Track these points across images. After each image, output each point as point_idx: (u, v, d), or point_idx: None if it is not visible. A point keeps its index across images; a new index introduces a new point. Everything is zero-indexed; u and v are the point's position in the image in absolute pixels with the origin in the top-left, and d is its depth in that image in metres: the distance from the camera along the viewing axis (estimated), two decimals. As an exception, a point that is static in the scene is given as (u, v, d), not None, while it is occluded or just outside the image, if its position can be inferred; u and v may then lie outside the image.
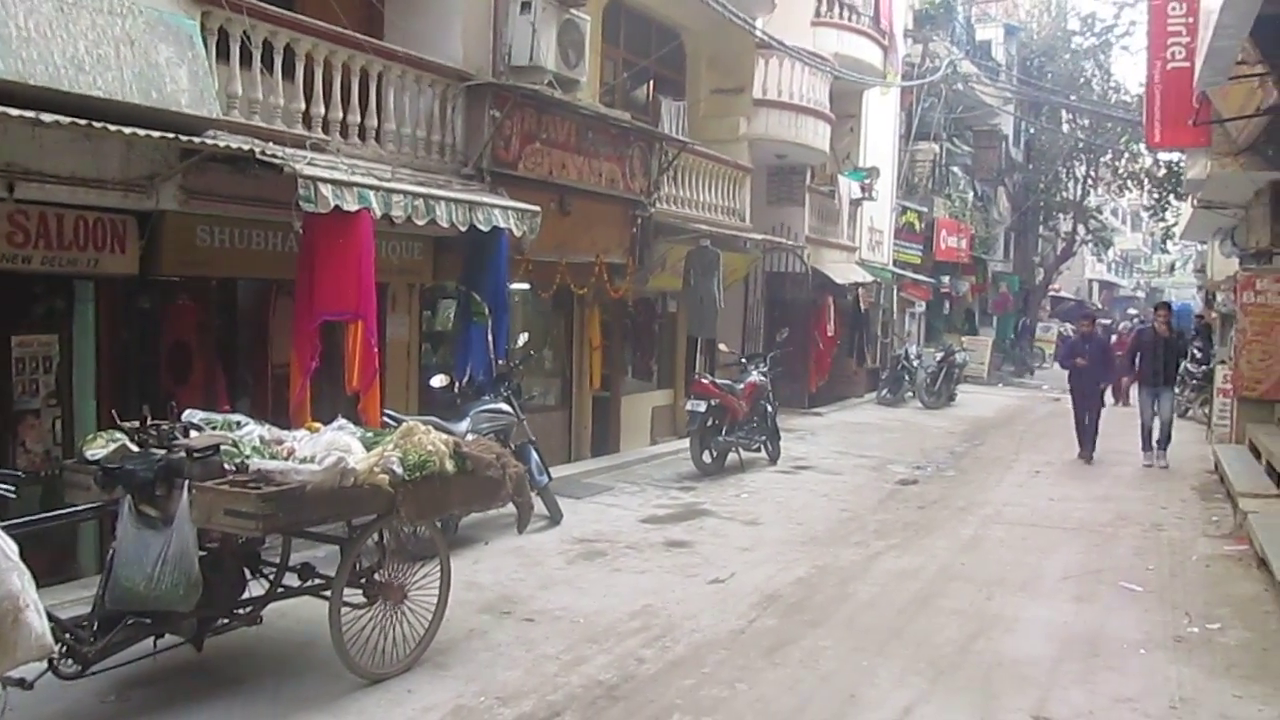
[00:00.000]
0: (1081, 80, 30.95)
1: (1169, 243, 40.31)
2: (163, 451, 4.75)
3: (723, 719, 4.93)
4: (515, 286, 9.82)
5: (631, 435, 13.79)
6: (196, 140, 6.33)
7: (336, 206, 6.81)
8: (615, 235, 11.74)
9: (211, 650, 5.09)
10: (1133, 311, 59.29)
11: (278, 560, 5.53)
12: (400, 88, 8.76)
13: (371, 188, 7.18)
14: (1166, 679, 5.53)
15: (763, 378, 12.28)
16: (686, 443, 13.18)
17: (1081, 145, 32.12)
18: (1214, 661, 5.81)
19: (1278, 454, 9.84)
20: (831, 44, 16.91)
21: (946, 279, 27.12)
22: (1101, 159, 32.76)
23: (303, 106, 7.81)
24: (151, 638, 4.76)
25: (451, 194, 8.08)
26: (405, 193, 7.53)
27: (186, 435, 4.94)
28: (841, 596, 7.05)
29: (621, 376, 13.54)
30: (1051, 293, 40.24)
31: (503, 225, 8.45)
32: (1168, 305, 13.77)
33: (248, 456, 4.78)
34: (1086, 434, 13.41)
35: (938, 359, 20.39)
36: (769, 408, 12.36)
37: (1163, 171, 33.51)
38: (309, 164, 6.93)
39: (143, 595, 4.49)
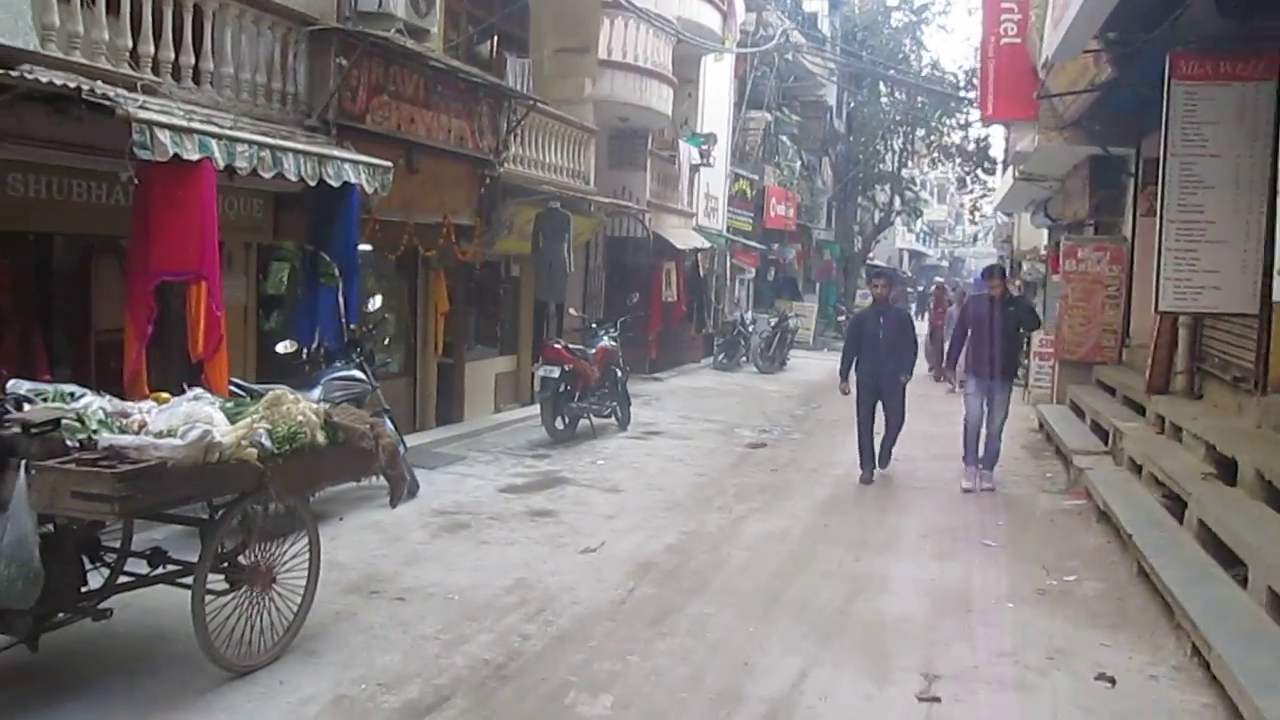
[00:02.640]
0: (900, 55, 32.12)
1: (975, 214, 42.44)
2: (-9, 427, 4.17)
3: (621, 693, 4.76)
4: (361, 248, 9.27)
5: (476, 403, 13.41)
6: (12, 75, 5.59)
7: (175, 155, 6.18)
8: (463, 195, 11.29)
9: (49, 650, 4.53)
10: (939, 279, 62.72)
11: (118, 545, 5.00)
12: (238, 28, 8.06)
13: (214, 135, 6.56)
14: (1039, 631, 5.73)
15: (613, 343, 12.15)
16: (532, 410, 12.97)
17: (899, 119, 33.42)
18: (1077, 612, 6.06)
19: (1103, 412, 10.44)
20: (674, 8, 16.78)
21: (775, 246, 27.70)
22: (917, 133, 34.18)
23: (130, 44, 7.04)
24: (-22, 638, 4.21)
25: (300, 145, 7.50)
26: (250, 142, 6.92)
27: (19, 409, 4.35)
28: (715, 562, 7.01)
29: (465, 342, 13.13)
30: (868, 261, 41.85)
31: (354, 181, 7.92)
32: (1001, 270, 10.22)
33: (94, 431, 4.25)
34: (868, 448, 9.79)
35: (772, 325, 20.81)
36: (619, 373, 12.24)
37: (973, 146, 35.45)
38: (142, 107, 6.25)
39: (-28, 591, 3.94)
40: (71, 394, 4.86)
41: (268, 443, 4.60)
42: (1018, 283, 29.68)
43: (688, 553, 7.21)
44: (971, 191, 40.64)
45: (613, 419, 12.26)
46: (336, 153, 7.89)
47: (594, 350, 11.69)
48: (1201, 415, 8.35)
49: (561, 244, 12.17)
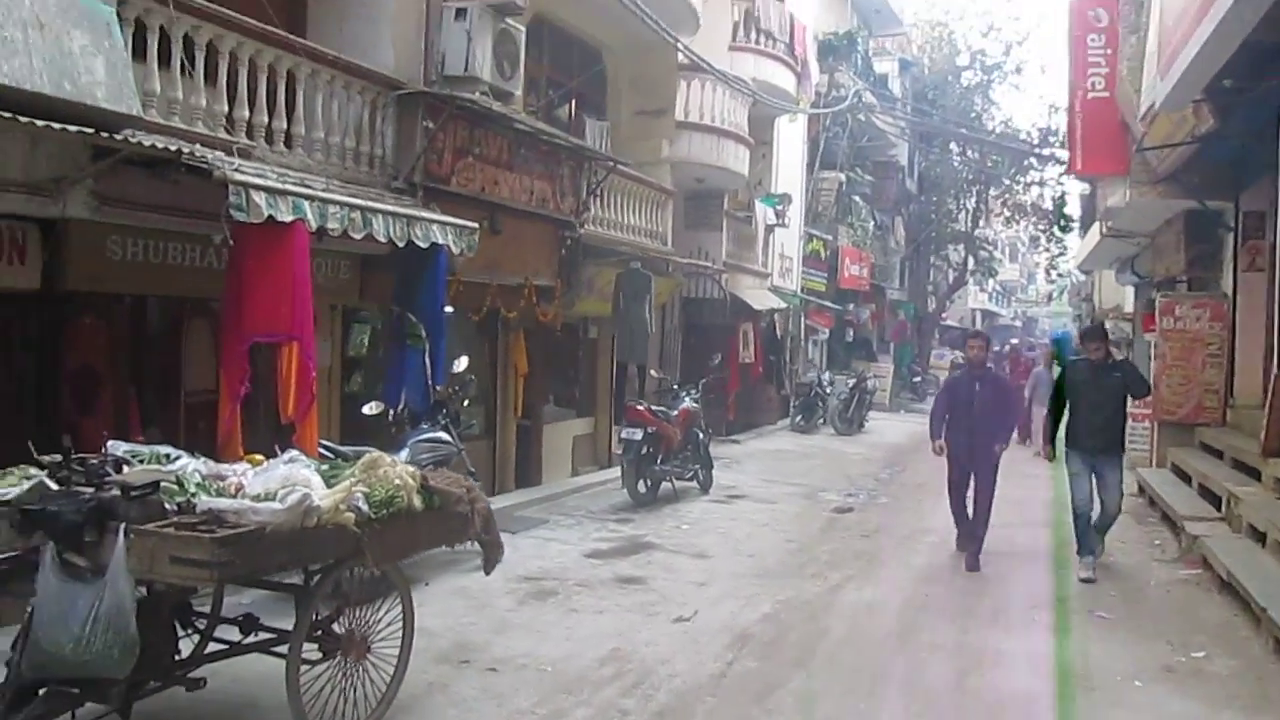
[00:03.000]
0: (972, 114, 31.88)
1: (1051, 273, 41.69)
2: (91, 490, 4.08)
3: (731, 777, 4.48)
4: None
5: (554, 465, 13.24)
6: (116, 138, 5.64)
7: (270, 217, 6.19)
8: (544, 256, 11.27)
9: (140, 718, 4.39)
10: (1014, 340, 61.64)
11: (209, 611, 4.88)
12: (329, 94, 8.15)
13: (307, 197, 6.57)
14: (1172, 714, 5.32)
15: (695, 404, 11.93)
16: (611, 473, 12.79)
17: (971, 178, 33.10)
18: (1212, 692, 5.62)
19: (1212, 476, 9.91)
20: (749, 69, 16.80)
21: (850, 306, 27.37)
22: (990, 191, 33.77)
23: (225, 109, 7.14)
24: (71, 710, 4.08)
25: (389, 207, 7.50)
26: (341, 204, 6.93)
27: (118, 470, 4.27)
28: (815, 634, 6.69)
29: (543, 404, 13.01)
30: (941, 321, 41.25)
31: (440, 241, 7.91)
32: (1103, 331, 8.95)
33: (193, 494, 4.14)
34: (963, 517, 9.09)
35: (850, 386, 20.43)
36: (701, 435, 12.00)
37: (1049, 204, 34.92)
38: (237, 170, 6.28)
39: (69, 660, 3.82)
40: (167, 455, 4.80)
41: (365, 507, 4.45)
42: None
43: (785, 623, 6.90)
44: (1047, 250, 40.04)
45: (694, 482, 11.99)
46: (424, 214, 7.88)
47: (676, 412, 11.49)
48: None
49: (643, 305, 12.06)
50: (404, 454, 7.34)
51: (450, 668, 5.72)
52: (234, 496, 4.30)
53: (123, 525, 3.92)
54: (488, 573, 5.53)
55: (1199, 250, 13.00)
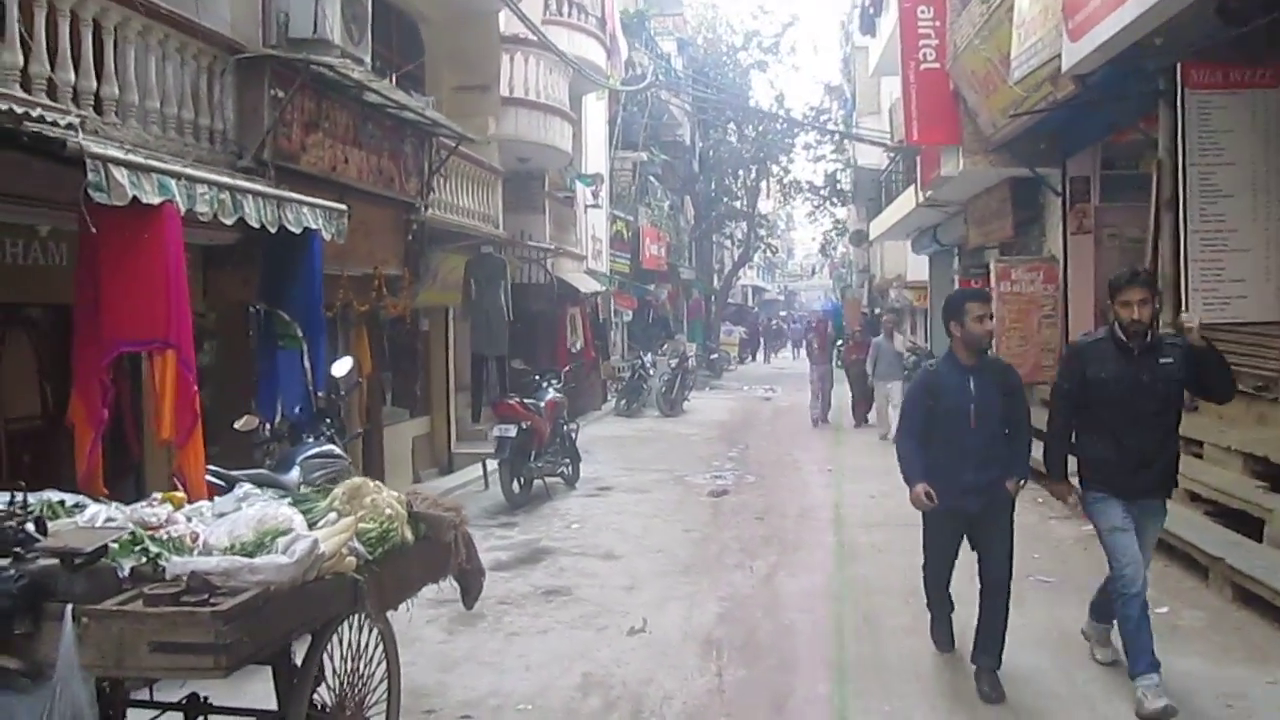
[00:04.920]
0: (749, 92, 32.49)
1: (828, 247, 43.46)
2: (8, 560, 3.02)
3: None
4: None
5: (394, 472, 12.13)
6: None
7: (135, 198, 5.04)
8: (390, 244, 10.23)
9: None
10: (783, 313, 63.98)
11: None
12: (161, 55, 6.87)
13: (172, 175, 5.43)
14: (1185, 672, 5.21)
15: (559, 395, 11.24)
16: (464, 476, 11.97)
17: (749, 156, 33.77)
18: (1205, 647, 5.61)
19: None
20: (563, 44, 16.05)
21: (651, 287, 27.28)
22: (770, 168, 34.60)
23: (46, 70, 5.82)
24: None
25: (260, 188, 6.40)
26: (211, 183, 5.78)
27: (40, 530, 3.20)
28: (782, 631, 6.25)
29: (381, 405, 11.93)
30: (728, 301, 42.14)
31: (314, 226, 6.84)
32: (1147, 278, 5.03)
33: (156, 555, 3.15)
34: (946, 603, 5.67)
35: (672, 367, 20.21)
36: (566, 427, 11.33)
37: (822, 181, 36.28)
38: (93, 141, 5.09)
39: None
40: (62, 503, 3.74)
41: (360, 546, 3.58)
42: (879, 311, 30.28)
43: (745, 623, 6.41)
44: (822, 223, 41.71)
45: (560, 477, 11.31)
46: (294, 195, 6.79)
47: (544, 404, 10.76)
48: (1212, 427, 8.16)
49: (498, 292, 11.27)
50: (295, 473, 6.28)
51: (416, 721, 4.86)
52: (193, 551, 3.34)
53: (69, 607, 2.90)
54: (470, 606, 4.70)
55: (1024, 215, 13.52)
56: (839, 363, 17.63)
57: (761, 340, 44.93)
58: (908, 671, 5.43)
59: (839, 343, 22.32)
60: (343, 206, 7.34)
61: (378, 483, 3.98)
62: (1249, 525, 6.79)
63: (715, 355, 32.48)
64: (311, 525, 3.59)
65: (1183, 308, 7.53)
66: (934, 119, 12.95)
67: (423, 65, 13.43)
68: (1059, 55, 8.02)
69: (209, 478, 5.53)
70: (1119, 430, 4.80)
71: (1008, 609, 5.16)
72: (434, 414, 13.54)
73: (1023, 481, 5.19)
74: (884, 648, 5.83)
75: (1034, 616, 6.27)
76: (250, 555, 3.24)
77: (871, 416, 16.34)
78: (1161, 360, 4.77)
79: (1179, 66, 7.25)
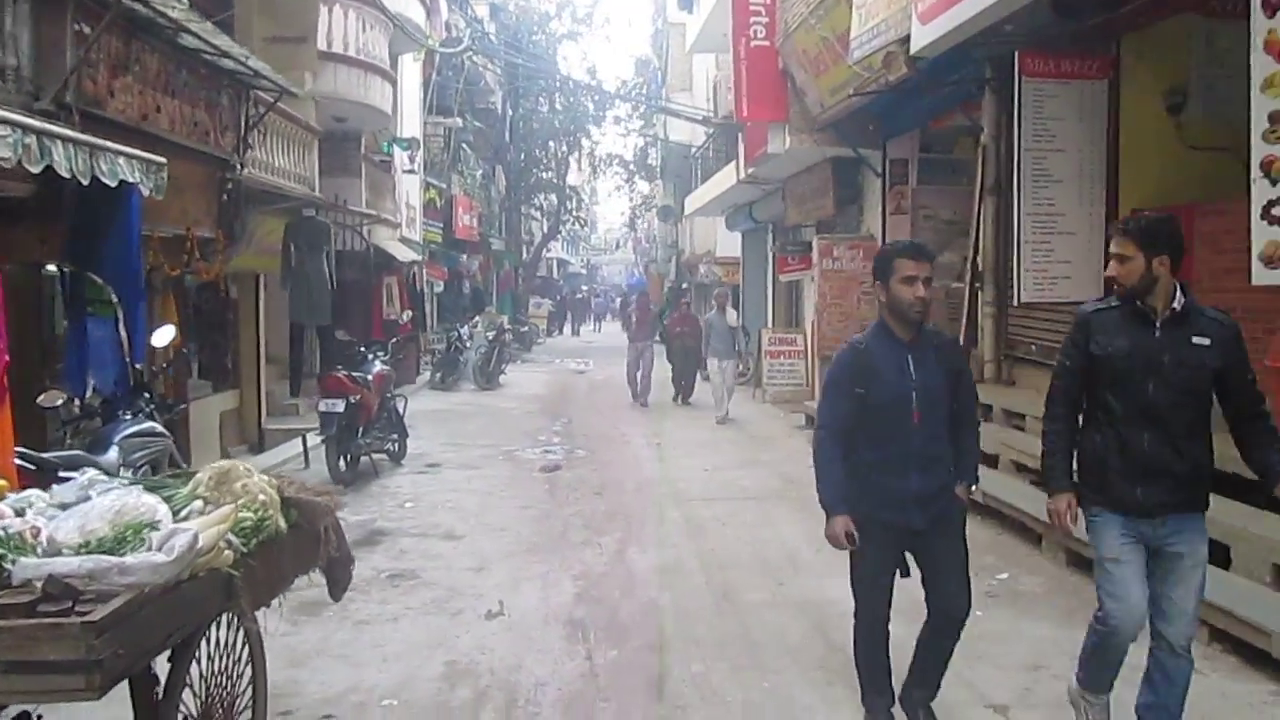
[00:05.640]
0: (558, 66, 32.15)
1: (637, 221, 43.73)
2: None
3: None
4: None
5: (202, 450, 11.26)
6: None
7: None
8: (205, 202, 9.44)
9: None
10: (585, 287, 64.06)
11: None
12: (-56, -22, 6.02)
13: (-29, 114, 4.74)
14: (1020, 633, 5.47)
15: (386, 367, 10.73)
16: (269, 455, 11.36)
17: (560, 126, 33.48)
18: (1050, 611, 5.87)
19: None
20: (380, -3, 15.36)
21: (463, 257, 26.67)
22: (580, 141, 34.44)
23: None
24: None
25: (70, 133, 5.69)
26: (13, 124, 5.10)
27: None
28: (644, 609, 6.13)
29: (187, 377, 11.06)
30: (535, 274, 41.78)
31: (131, 179, 6.17)
32: (1172, 230, 3.66)
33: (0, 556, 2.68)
34: (880, 665, 4.28)
35: (489, 339, 19.79)
36: (394, 402, 10.84)
37: (632, 156, 36.46)
38: None
39: None
40: None
41: (235, 539, 3.20)
42: (686, 286, 30.76)
43: (605, 602, 6.27)
44: (628, 196, 41.92)
45: (385, 454, 10.82)
46: (111, 145, 6.08)
47: (371, 377, 10.23)
48: (1031, 400, 8.62)
49: (320, 258, 10.60)
50: (113, 454, 5.72)
51: (274, 725, 4.46)
52: (39, 548, 2.88)
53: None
54: (337, 598, 4.32)
55: (845, 194, 13.92)
56: (660, 338, 17.54)
57: (569, 313, 44.97)
58: (778, 647, 5.42)
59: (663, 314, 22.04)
60: (162, 160, 6.67)
61: (247, 465, 3.57)
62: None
63: (525, 328, 32.17)
64: (176, 515, 3.17)
65: (1013, 288, 7.89)
66: (763, 96, 13.11)
67: (232, 12, 12.47)
68: (905, 37, 8.21)
69: (17, 461, 4.91)
70: (1124, 423, 3.68)
71: (948, 655, 4.19)
72: (243, 387, 12.68)
73: (974, 487, 4.35)
74: (749, 624, 5.81)
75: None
76: (111, 553, 2.81)
77: (695, 397, 16.29)
78: (1194, 340, 3.62)
79: (1016, 55, 7.54)
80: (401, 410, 11.09)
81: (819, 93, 12.09)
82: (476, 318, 25.10)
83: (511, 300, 33.82)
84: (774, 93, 13.01)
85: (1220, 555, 5.48)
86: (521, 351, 29.97)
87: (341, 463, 9.64)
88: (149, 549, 2.76)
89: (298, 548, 3.72)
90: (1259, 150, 5.09)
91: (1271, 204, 5.10)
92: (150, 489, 3.40)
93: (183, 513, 3.23)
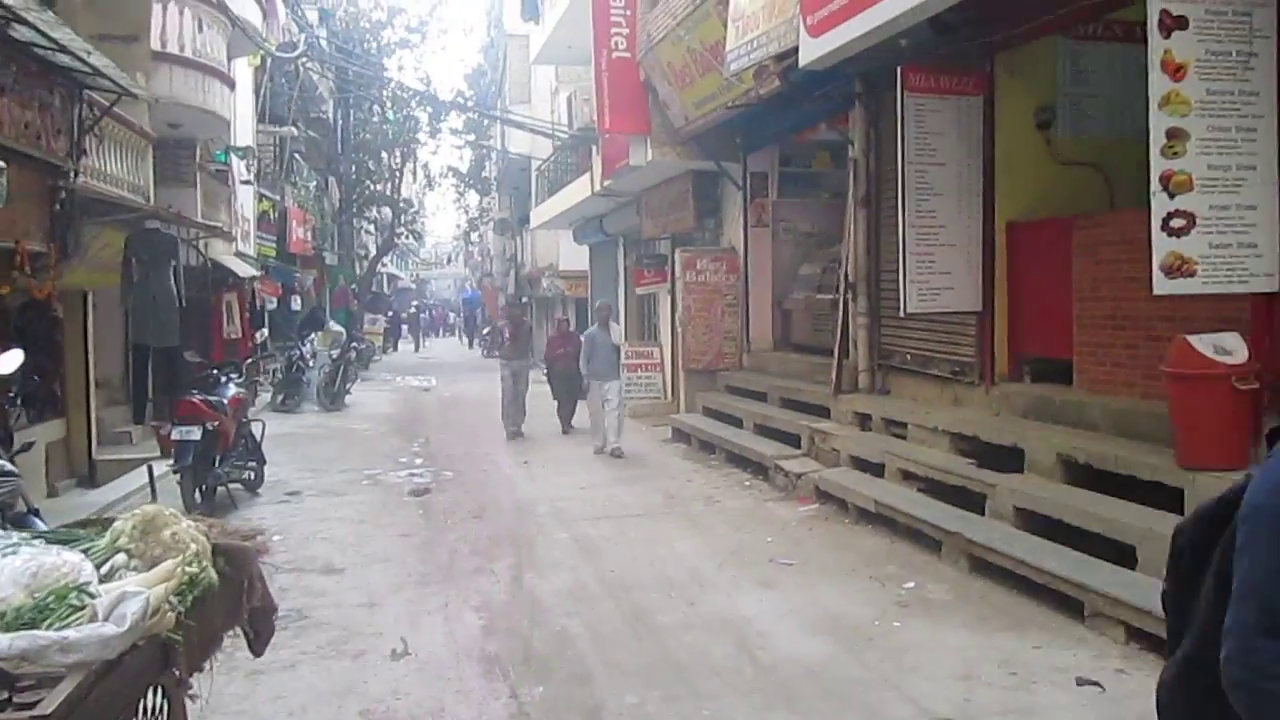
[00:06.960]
0: (390, 76, 31.30)
1: (473, 234, 43.02)
2: None
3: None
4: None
5: (30, 484, 10.31)
6: None
7: None
8: (35, 212, 8.59)
9: None
10: (416, 303, 62.56)
11: None
12: None
13: None
14: (942, 642, 5.49)
15: (242, 390, 10.03)
16: (106, 490, 10.52)
17: (393, 138, 32.58)
18: (968, 619, 5.90)
19: (776, 417, 10.74)
20: (215, -2, 14.47)
21: (298, 273, 25.52)
22: (414, 152, 33.63)
23: None
24: None
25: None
26: None
27: None
28: (559, 640, 5.86)
29: (11, 406, 10.03)
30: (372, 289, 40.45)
31: (-30, 187, 5.49)
32: None
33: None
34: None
35: (333, 358, 18.93)
36: (249, 427, 10.14)
37: (467, 168, 35.90)
38: None
39: None
40: None
41: (173, 598, 2.79)
42: (526, 300, 30.49)
43: (515, 634, 5.96)
44: (463, 208, 41.24)
45: (242, 484, 10.11)
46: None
47: (227, 401, 9.52)
48: (914, 409, 8.81)
49: (166, 274, 9.80)
50: (-43, 499, 5.02)
51: (181, 797, 3.96)
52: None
53: None
54: (259, 653, 3.88)
55: (705, 207, 13.97)
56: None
57: (404, 329, 43.90)
58: (705, 670, 5.26)
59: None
60: (1, 163, 5.96)
61: (173, 510, 3.13)
62: (964, 500, 7.31)
63: (363, 346, 31.05)
64: (100, 574, 2.73)
65: (899, 299, 8.02)
66: (625, 108, 13.01)
67: (54, 7, 11.46)
68: (786, 50, 8.24)
69: None
70: None
71: None
72: (71, 415, 11.63)
73: None
74: (670, 647, 5.63)
75: (796, 602, 6.35)
76: (33, 625, 2.38)
77: (577, 422, 14.37)
78: None
79: (900, 70, 7.68)
80: (259, 435, 10.38)
81: (683, 105, 12.10)
82: (314, 335, 24.06)
83: (347, 316, 32.58)
84: (636, 105, 12.94)
85: (1128, 557, 5.67)
86: (360, 370, 28.94)
87: (198, 495, 8.93)
88: (92, 619, 2.34)
89: (226, 600, 3.31)
90: (1158, 165, 5.29)
91: (1170, 216, 5.31)
92: (60, 542, 2.93)
93: (104, 569, 2.79)
